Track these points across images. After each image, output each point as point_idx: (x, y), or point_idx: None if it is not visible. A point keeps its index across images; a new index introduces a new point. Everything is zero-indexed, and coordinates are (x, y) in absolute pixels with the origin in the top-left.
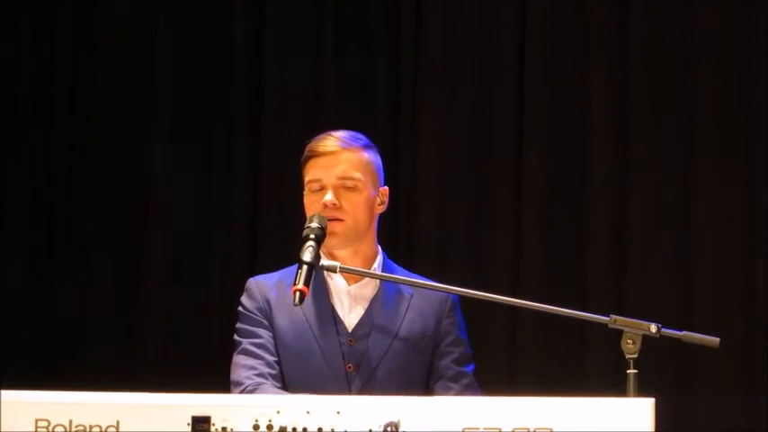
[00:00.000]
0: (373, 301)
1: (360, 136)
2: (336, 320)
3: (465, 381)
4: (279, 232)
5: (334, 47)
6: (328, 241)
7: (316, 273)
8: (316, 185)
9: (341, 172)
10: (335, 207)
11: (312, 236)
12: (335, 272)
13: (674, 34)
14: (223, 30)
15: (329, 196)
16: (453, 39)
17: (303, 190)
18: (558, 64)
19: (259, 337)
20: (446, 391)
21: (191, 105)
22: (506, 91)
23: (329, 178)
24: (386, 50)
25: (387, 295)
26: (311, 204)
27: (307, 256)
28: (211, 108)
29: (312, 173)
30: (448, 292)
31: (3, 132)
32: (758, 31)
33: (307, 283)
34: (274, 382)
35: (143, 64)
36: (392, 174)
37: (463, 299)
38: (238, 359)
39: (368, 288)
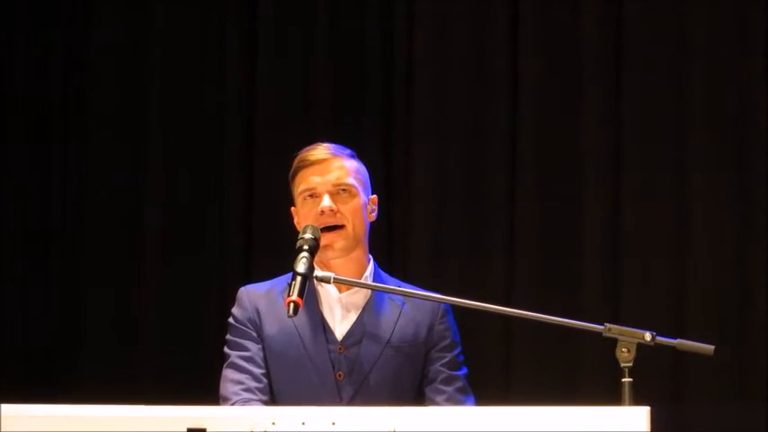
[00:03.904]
0: (365, 308)
1: (344, 147)
2: (326, 329)
3: (457, 384)
4: (274, 242)
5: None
6: (329, 254)
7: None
8: (310, 193)
9: (335, 179)
10: (333, 212)
11: (306, 246)
12: (330, 282)
13: (669, 40)
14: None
15: (326, 202)
16: (446, 38)
17: (293, 204)
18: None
19: (247, 349)
20: (438, 394)
21: (183, 107)
22: (501, 92)
23: (324, 185)
24: (378, 52)
25: (378, 303)
26: (307, 213)
27: (300, 267)
28: (204, 111)
29: (306, 182)
30: (442, 302)
31: None
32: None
33: (301, 295)
34: (261, 396)
35: (136, 68)
36: (385, 178)
37: (456, 306)
38: (226, 373)
39: (359, 296)
